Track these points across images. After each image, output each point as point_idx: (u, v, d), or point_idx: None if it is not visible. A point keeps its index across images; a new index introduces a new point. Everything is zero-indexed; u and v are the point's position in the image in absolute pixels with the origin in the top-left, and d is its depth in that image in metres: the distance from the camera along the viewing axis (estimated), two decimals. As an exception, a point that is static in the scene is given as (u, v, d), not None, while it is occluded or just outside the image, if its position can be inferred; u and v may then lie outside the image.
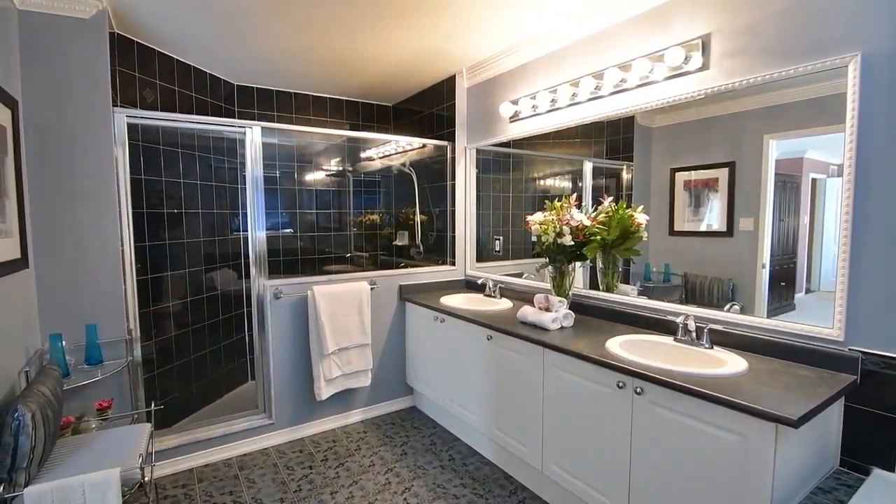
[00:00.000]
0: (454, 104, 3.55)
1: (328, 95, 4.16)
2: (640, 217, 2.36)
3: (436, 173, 3.82)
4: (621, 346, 2.00)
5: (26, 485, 1.56)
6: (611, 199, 2.50)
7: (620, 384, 1.82)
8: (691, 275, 2.24)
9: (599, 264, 2.57)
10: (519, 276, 3.24)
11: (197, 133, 3.32)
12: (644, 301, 2.35)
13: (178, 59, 3.16)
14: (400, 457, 2.79)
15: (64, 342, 2.18)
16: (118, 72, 2.64)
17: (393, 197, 4.57)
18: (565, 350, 2.04)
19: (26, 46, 2.16)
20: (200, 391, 3.37)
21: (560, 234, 2.42)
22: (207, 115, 3.37)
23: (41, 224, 2.24)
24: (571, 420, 2.07)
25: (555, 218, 2.47)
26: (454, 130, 3.57)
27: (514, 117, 3.06)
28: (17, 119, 2.03)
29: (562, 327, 2.34)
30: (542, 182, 3.27)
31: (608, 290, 2.55)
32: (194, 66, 3.32)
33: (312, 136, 4.12)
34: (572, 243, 2.41)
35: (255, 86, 3.84)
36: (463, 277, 3.69)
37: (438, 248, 3.84)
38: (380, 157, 4.34)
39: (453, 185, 3.62)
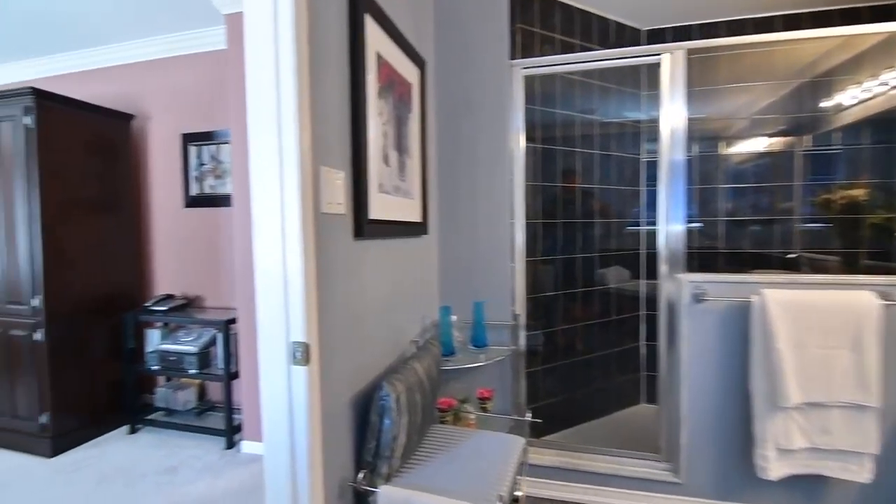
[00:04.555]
0: None
1: (786, 12, 2.79)
2: None
3: None
4: None
5: (388, 478, 1.30)
6: None
7: None
8: None
9: None
10: None
11: (597, 85, 2.77)
12: None
13: (578, 8, 2.70)
14: None
15: (454, 317, 2.02)
16: (518, 29, 2.37)
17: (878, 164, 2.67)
18: None
19: (439, 6, 2.13)
20: (584, 402, 2.81)
21: None
22: (610, 73, 2.78)
23: (441, 188, 2.18)
24: None
25: None
26: None
27: None
28: (425, 78, 1.97)
29: None
30: None
31: None
32: (596, 15, 2.79)
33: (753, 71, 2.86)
34: None
35: (667, 26, 2.98)
36: None
37: None
38: (869, 100, 2.58)
39: None
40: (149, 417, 2.86)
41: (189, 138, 3.02)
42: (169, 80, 3.04)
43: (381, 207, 1.49)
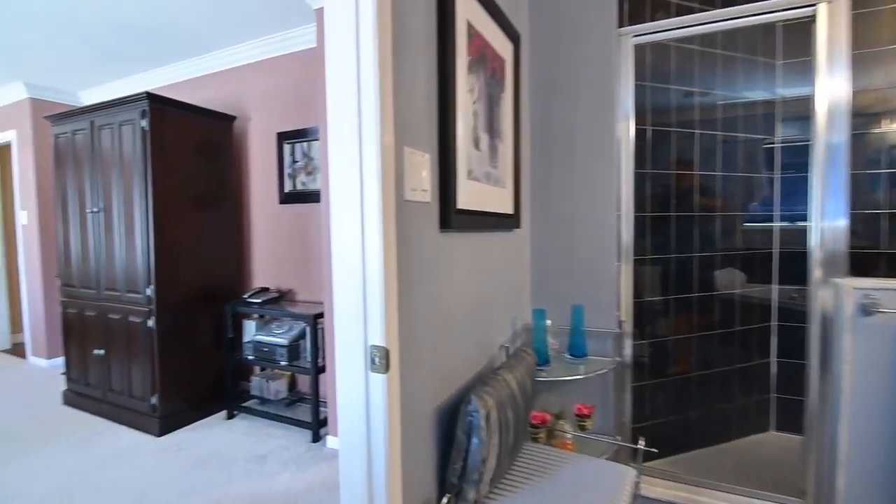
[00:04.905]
0: None
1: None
2: None
3: None
4: None
5: (475, 506, 1.13)
6: None
7: None
8: None
9: None
10: None
11: (721, 55, 2.36)
12: None
13: (700, -34, 2.31)
14: None
15: (549, 322, 1.79)
16: (627, -6, 2.08)
17: None
18: None
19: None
20: (698, 425, 2.42)
21: None
22: (737, 40, 2.36)
23: (534, 177, 1.96)
24: None
25: None
26: None
27: None
28: (519, 53, 1.76)
29: None
30: None
31: None
32: (722, -27, 2.38)
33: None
34: None
35: (814, -21, 2.47)
36: None
37: None
38: None
39: None
40: (244, 405, 2.98)
41: (284, 136, 3.10)
42: (266, 81, 3.15)
43: (470, 196, 1.32)
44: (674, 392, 2.31)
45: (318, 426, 2.62)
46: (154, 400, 2.68)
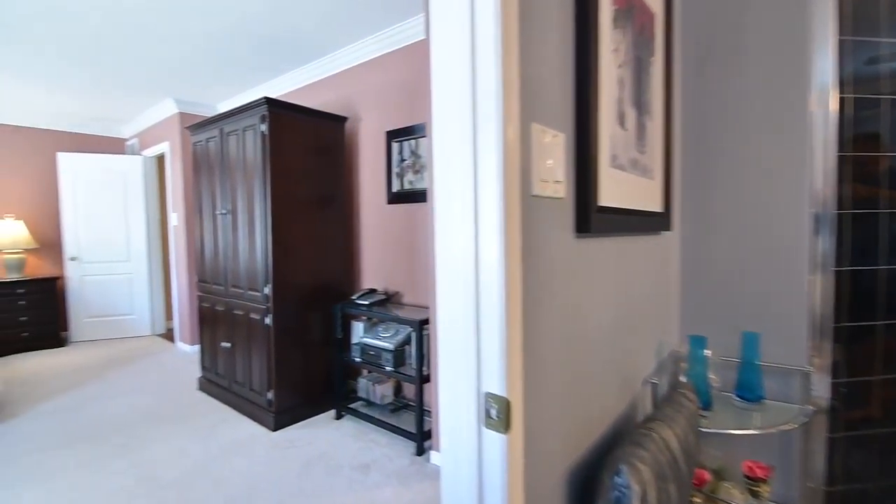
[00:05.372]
0: None
1: None
2: None
3: None
4: None
5: None
6: None
7: None
8: None
9: None
10: None
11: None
12: None
13: None
14: None
15: (708, 352, 1.39)
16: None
17: None
18: None
19: None
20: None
21: None
22: None
23: (688, 164, 1.55)
24: None
25: None
26: None
27: None
28: (672, 7, 1.38)
29: None
30: None
31: None
32: None
33: None
34: None
35: None
36: None
37: None
38: None
39: None
40: (351, 406, 2.96)
41: (392, 135, 3.02)
42: (376, 80, 3.09)
43: (613, 189, 1.01)
44: (886, 448, 1.71)
45: (422, 438, 2.47)
46: (270, 395, 2.75)
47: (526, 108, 0.74)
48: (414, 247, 2.93)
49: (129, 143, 5.33)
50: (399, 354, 2.66)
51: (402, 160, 2.98)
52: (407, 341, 2.70)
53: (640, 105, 1.17)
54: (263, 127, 2.67)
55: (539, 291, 0.79)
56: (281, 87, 3.76)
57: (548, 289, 0.82)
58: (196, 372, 3.78)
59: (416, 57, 2.83)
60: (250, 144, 2.78)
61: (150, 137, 4.87)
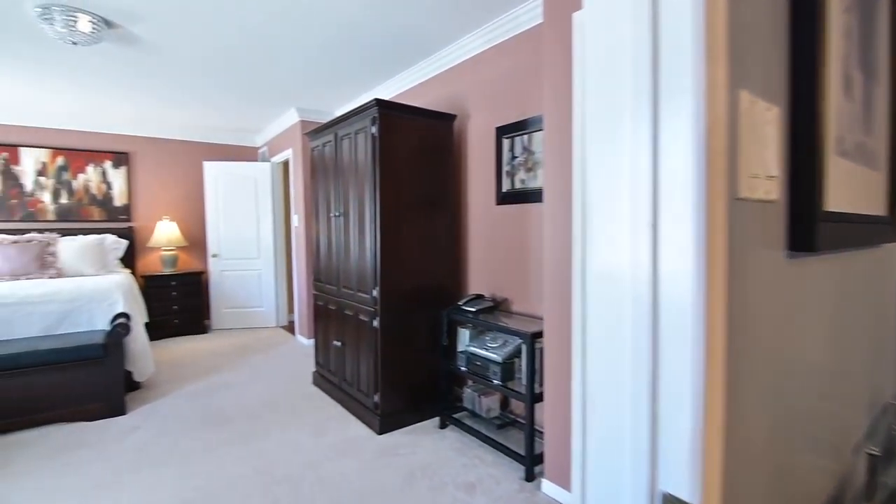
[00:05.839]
0: None
1: None
2: None
3: None
4: None
5: None
6: None
7: None
8: None
9: None
10: None
11: None
12: None
13: None
14: None
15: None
16: None
17: None
18: None
19: None
20: None
21: None
22: None
23: None
24: None
25: None
26: None
27: None
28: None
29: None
30: None
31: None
32: None
33: None
34: None
35: None
36: None
37: None
38: None
39: None
40: (456, 416, 2.84)
41: (502, 131, 2.83)
42: (484, 74, 2.93)
43: (841, 187, 0.71)
44: None
45: (532, 462, 2.25)
46: (376, 398, 2.74)
47: (733, 70, 0.50)
48: (525, 251, 2.71)
49: (260, 150, 5.86)
50: (507, 367, 2.47)
51: (514, 157, 2.78)
52: (516, 354, 2.49)
53: (867, 66, 0.84)
54: (374, 129, 2.65)
55: (742, 339, 0.54)
56: (391, 90, 3.79)
57: (751, 334, 0.56)
58: (311, 365, 3.97)
59: (528, 45, 2.61)
60: (362, 147, 2.79)
61: (277, 145, 5.28)
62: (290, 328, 5.47)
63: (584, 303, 0.55)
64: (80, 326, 3.23)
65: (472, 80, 3.03)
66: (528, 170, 2.68)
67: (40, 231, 4.52)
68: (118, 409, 3.01)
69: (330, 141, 3.16)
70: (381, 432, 2.72)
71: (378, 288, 2.69)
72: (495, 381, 2.46)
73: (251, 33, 2.76)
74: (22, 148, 4.61)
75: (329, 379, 3.33)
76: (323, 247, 3.35)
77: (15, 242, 4.03)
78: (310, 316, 4.57)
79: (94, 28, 2.47)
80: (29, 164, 4.64)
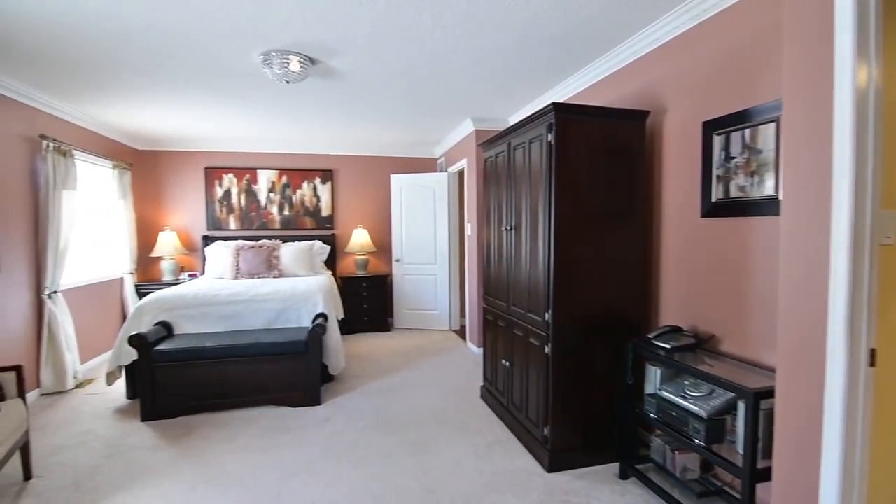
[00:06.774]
0: None
1: None
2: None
3: None
4: None
5: None
6: None
7: None
8: None
9: None
10: None
11: None
12: None
13: None
14: None
15: None
16: None
17: None
18: None
19: None
20: None
21: None
22: None
23: None
24: None
25: None
26: None
27: None
28: None
29: None
30: None
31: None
32: None
33: None
34: None
35: None
36: None
37: None
38: None
39: None
40: (640, 466, 2.40)
41: (711, 126, 2.27)
42: (683, 60, 2.40)
43: None
44: None
45: (749, 559, 1.71)
46: (546, 431, 2.49)
47: None
48: (742, 277, 2.12)
49: (439, 161, 6.13)
50: (715, 427, 1.95)
51: (729, 158, 2.20)
52: (727, 410, 1.95)
53: None
54: (550, 136, 2.40)
55: None
56: (565, 91, 3.47)
57: None
58: (479, 377, 3.92)
59: (746, 19, 2.02)
60: (536, 156, 2.57)
61: (453, 155, 5.43)
62: (461, 333, 5.58)
63: (852, 360, 0.24)
64: (290, 322, 3.76)
65: (668, 68, 2.53)
66: (751, 173, 2.08)
67: (269, 238, 5.51)
68: (315, 400, 3.40)
69: (503, 151, 3.02)
70: (550, 470, 2.46)
71: (551, 311, 2.43)
72: (696, 441, 1.97)
73: (430, 52, 2.78)
74: (259, 170, 5.69)
75: (497, 397, 3.20)
76: (493, 259, 3.23)
77: (252, 247, 4.97)
78: (479, 325, 4.54)
79: (301, 66, 2.80)
80: (263, 183, 5.72)
